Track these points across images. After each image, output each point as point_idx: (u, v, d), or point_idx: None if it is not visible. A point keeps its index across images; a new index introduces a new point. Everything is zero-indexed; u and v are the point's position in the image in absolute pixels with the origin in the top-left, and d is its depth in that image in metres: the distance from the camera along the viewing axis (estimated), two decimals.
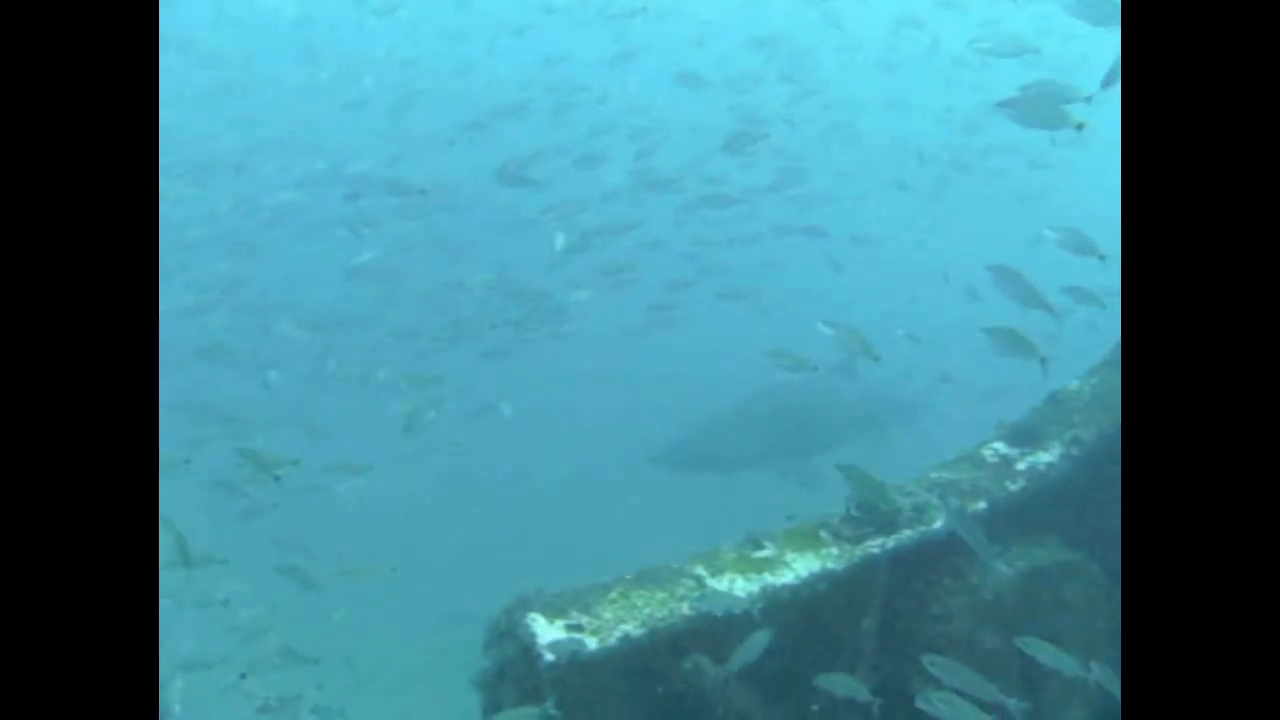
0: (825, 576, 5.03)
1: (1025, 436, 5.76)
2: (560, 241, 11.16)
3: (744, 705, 4.88)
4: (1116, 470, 5.43)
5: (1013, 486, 5.47)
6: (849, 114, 16.03)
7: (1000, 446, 5.78)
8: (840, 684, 4.67)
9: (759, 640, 4.58)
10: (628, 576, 5.02)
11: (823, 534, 5.26)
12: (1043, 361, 5.21)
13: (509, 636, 4.76)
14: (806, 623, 5.03)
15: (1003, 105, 5.57)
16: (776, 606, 4.91)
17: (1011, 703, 4.55)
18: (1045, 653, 4.70)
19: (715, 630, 4.77)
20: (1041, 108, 5.47)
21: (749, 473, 11.91)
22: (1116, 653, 5.56)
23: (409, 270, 12.92)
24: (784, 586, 4.96)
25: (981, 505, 5.36)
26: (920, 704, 4.46)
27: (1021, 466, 5.59)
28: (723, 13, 19.29)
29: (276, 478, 6.00)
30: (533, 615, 4.72)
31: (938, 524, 5.25)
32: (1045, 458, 5.59)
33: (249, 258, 12.62)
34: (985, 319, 5.51)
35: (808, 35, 16.63)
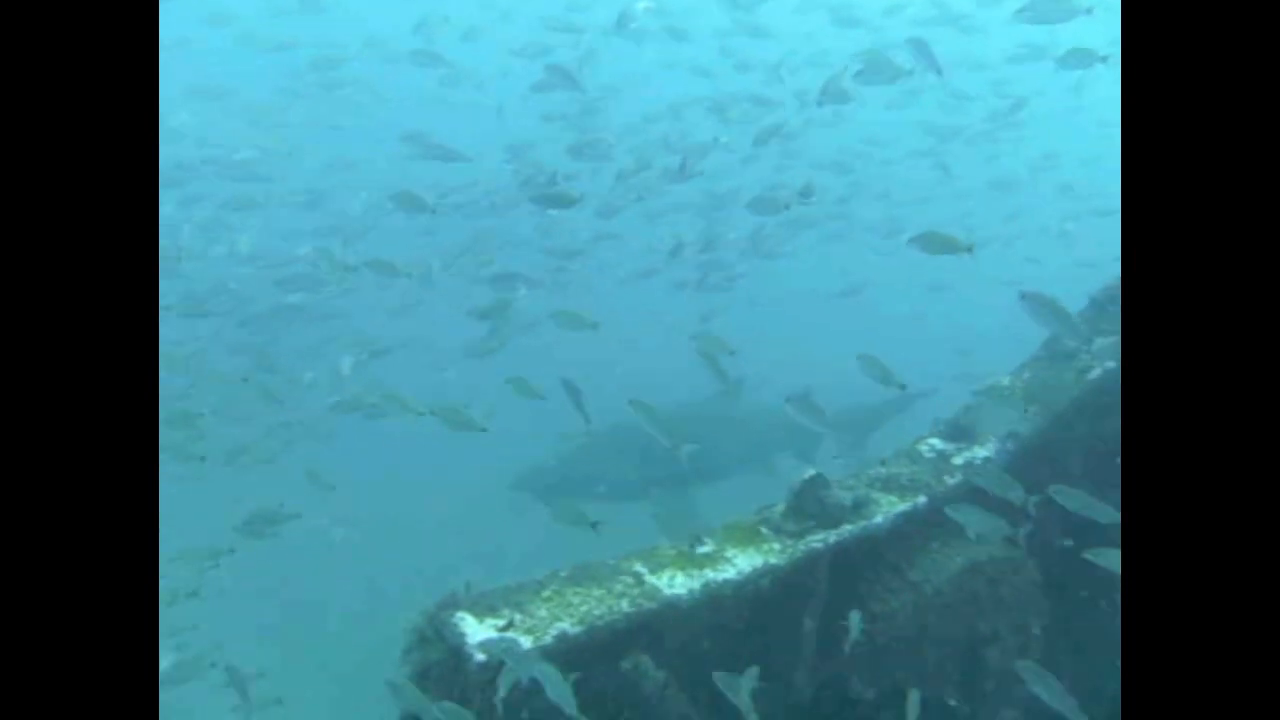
0: (768, 572, 4.81)
1: (960, 432, 5.70)
2: (347, 365, 10.27)
3: (683, 710, 4.61)
4: (1052, 466, 5.43)
5: (951, 481, 5.39)
6: None
7: (936, 442, 5.71)
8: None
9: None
10: (562, 574, 4.71)
11: (763, 529, 5.06)
12: (902, 387, 5.03)
13: (434, 639, 4.38)
14: (749, 622, 4.81)
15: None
16: (718, 603, 4.68)
17: None
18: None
19: (655, 628, 4.50)
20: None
21: (621, 504, 9.99)
22: (1047, 654, 5.53)
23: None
24: (725, 583, 4.72)
25: (921, 499, 5.26)
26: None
27: (958, 461, 5.52)
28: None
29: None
30: (461, 614, 4.36)
31: (878, 519, 5.13)
32: (981, 453, 5.54)
33: None
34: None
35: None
